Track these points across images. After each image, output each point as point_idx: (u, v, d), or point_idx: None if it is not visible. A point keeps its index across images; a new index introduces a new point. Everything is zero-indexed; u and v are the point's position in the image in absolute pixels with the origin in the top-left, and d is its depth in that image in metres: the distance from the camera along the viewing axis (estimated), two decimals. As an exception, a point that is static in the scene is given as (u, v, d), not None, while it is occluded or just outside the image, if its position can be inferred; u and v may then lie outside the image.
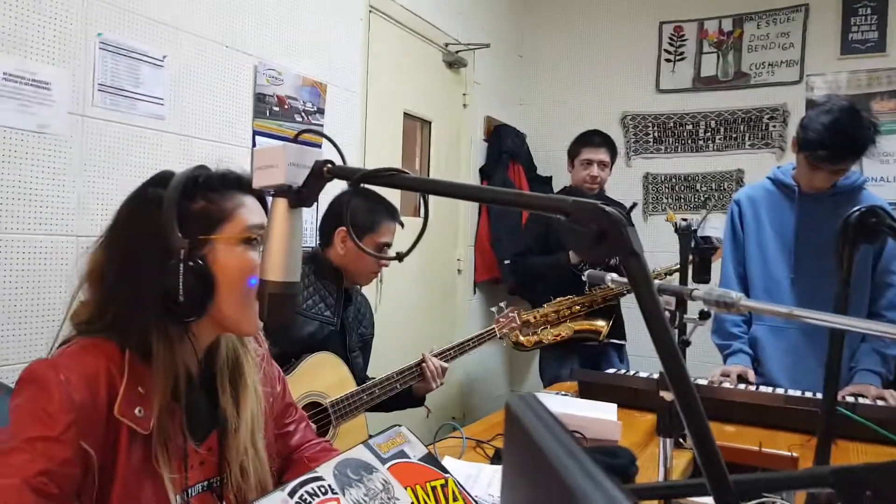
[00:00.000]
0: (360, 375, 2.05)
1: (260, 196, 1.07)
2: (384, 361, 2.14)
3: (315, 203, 0.94)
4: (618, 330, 2.90)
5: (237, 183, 1.02)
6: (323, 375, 1.86)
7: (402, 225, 2.04)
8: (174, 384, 0.94)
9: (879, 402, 1.80)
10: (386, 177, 0.85)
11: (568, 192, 3.06)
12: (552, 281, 2.78)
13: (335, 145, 0.99)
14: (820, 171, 1.91)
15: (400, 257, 0.89)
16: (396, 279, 3.12)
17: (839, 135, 1.80)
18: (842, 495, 0.59)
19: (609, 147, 2.91)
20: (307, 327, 1.89)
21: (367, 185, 0.85)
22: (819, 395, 1.77)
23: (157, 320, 0.92)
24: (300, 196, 0.91)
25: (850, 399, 1.76)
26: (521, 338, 2.69)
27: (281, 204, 0.91)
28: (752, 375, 2.04)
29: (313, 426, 1.33)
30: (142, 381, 0.91)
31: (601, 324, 2.80)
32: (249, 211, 1.01)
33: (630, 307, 3.15)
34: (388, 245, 2.00)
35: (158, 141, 1.95)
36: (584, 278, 1.50)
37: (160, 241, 0.93)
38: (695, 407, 0.57)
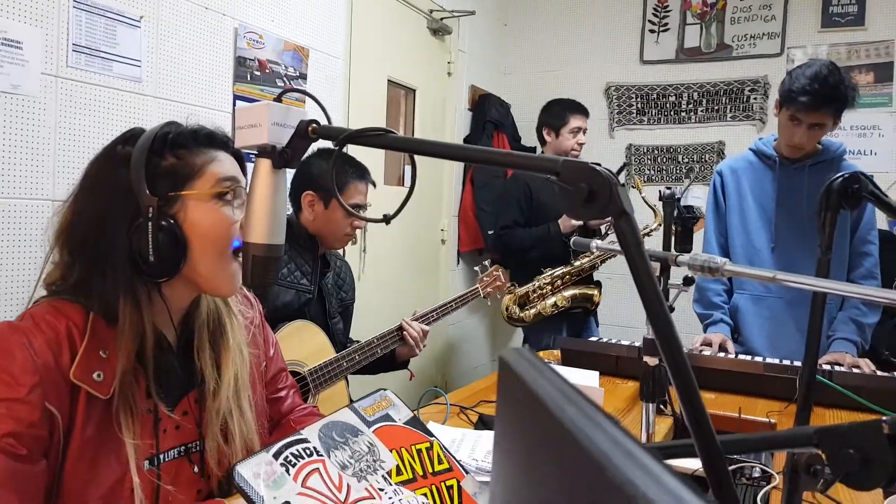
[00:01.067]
0: (340, 340, 2.04)
1: (236, 153, 1.04)
2: (367, 330, 2.14)
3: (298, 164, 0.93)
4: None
5: (208, 139, 0.99)
6: (300, 343, 1.85)
7: (373, 185, 2.00)
8: (140, 347, 0.91)
9: (855, 371, 1.84)
10: (373, 136, 0.84)
11: None
12: (540, 252, 2.82)
13: (320, 105, 0.97)
14: (800, 125, 1.94)
15: (387, 219, 0.88)
16: (380, 249, 3.11)
17: (819, 82, 1.86)
18: (826, 453, 0.60)
19: (587, 116, 3.06)
20: (283, 297, 1.87)
21: (333, 147, 0.84)
22: (797, 363, 1.80)
23: (125, 281, 0.90)
24: (284, 156, 0.89)
25: (827, 367, 1.80)
26: (520, 312, 2.72)
27: (264, 164, 0.89)
28: (731, 346, 2.07)
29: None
30: (104, 345, 0.89)
31: (594, 290, 2.85)
32: (220, 164, 0.98)
33: (605, 275, 3.17)
34: (360, 206, 1.95)
35: (136, 104, 1.90)
36: (571, 246, 1.50)
37: (128, 200, 0.91)
38: (681, 362, 0.57)
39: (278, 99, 0.92)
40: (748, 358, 1.92)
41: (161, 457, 0.95)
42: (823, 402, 1.67)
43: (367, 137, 0.84)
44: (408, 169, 3.47)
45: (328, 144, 0.86)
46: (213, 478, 1.01)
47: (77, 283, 0.91)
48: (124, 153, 0.93)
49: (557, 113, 3.01)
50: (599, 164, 0.66)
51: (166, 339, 0.99)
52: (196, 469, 0.99)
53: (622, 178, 3.96)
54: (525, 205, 2.92)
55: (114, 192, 0.92)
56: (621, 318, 3.72)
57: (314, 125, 0.88)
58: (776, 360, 1.87)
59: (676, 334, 0.59)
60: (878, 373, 1.82)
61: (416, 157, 0.88)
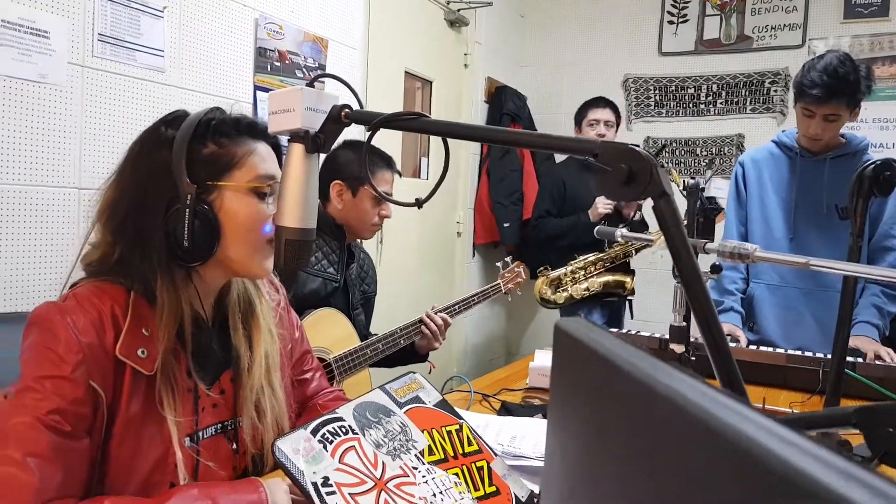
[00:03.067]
0: (361, 332, 2.06)
1: (274, 144, 1.05)
2: (384, 322, 2.15)
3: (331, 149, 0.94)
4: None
5: (250, 128, 1.01)
6: (326, 331, 1.87)
7: (399, 174, 2.01)
8: (179, 327, 0.93)
9: (878, 362, 1.83)
10: (406, 120, 0.84)
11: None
12: (570, 241, 2.93)
13: (353, 90, 0.98)
14: (814, 117, 1.93)
15: (419, 203, 0.89)
16: (396, 241, 3.12)
17: (829, 74, 1.85)
18: (865, 433, 0.60)
19: (613, 108, 3.09)
20: (310, 284, 1.89)
21: (366, 130, 0.85)
22: (819, 355, 1.79)
23: (162, 263, 0.92)
24: (317, 141, 0.90)
25: (850, 359, 1.78)
26: (552, 295, 2.73)
27: (297, 149, 0.90)
28: (741, 335, 2.06)
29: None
30: (146, 323, 0.91)
31: (627, 278, 2.86)
32: (261, 159, 1.00)
33: (643, 268, 3.19)
34: (387, 195, 1.97)
35: (159, 93, 1.92)
36: (595, 234, 1.51)
37: (168, 184, 0.92)
38: (718, 333, 0.58)
39: (311, 85, 0.93)
40: (770, 350, 1.91)
41: (200, 434, 0.97)
42: (846, 393, 1.66)
43: (401, 121, 0.85)
44: (424, 161, 3.48)
45: (359, 132, 0.87)
46: (247, 454, 1.03)
47: (117, 263, 0.93)
48: (168, 136, 0.95)
49: (581, 108, 3.11)
50: (638, 146, 0.66)
51: (203, 320, 1.01)
52: (234, 446, 1.01)
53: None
54: (558, 196, 3.08)
55: (154, 173, 0.93)
56: (657, 314, 3.70)
57: (347, 110, 0.89)
58: (798, 352, 1.86)
59: (713, 307, 0.60)
60: (902, 364, 1.81)
61: (434, 148, 0.88)
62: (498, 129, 0.75)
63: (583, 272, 2.74)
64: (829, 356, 1.64)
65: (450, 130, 0.78)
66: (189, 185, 0.92)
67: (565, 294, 2.75)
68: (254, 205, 0.97)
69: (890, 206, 2.04)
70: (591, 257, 2.77)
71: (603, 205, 2.84)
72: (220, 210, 0.95)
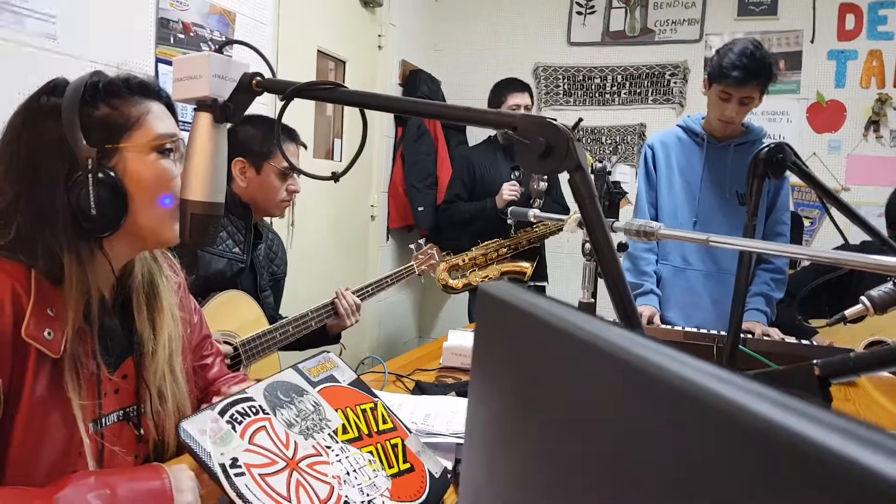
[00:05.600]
0: (270, 314, 2.00)
1: (167, 103, 1.00)
2: (295, 305, 2.10)
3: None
4: (541, 272, 3.05)
5: (141, 88, 0.96)
6: (232, 314, 1.80)
7: (304, 146, 1.95)
8: (86, 306, 0.88)
9: (766, 338, 1.96)
10: (323, 90, 0.82)
11: (496, 141, 3.12)
12: (479, 227, 2.91)
13: (264, 58, 0.94)
14: (731, 100, 2.02)
15: (336, 177, 0.87)
16: (308, 224, 3.05)
17: (748, 57, 1.95)
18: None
19: (530, 92, 3.11)
20: (215, 265, 1.81)
21: (280, 100, 0.82)
22: (713, 332, 1.90)
23: (67, 237, 0.86)
24: (226, 111, 0.86)
25: (741, 336, 1.90)
26: (451, 281, 2.74)
27: (204, 118, 0.86)
28: (657, 320, 2.16)
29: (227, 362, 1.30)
30: (51, 303, 0.85)
31: (526, 265, 2.89)
32: (158, 118, 0.95)
33: (553, 252, 3.26)
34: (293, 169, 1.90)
35: (51, 63, 1.78)
36: (507, 220, 1.53)
37: (63, 153, 0.86)
38: (626, 295, 0.61)
39: (219, 52, 0.88)
40: (670, 327, 2.01)
41: (104, 420, 0.92)
42: (738, 367, 1.78)
43: (317, 90, 0.82)
44: (338, 142, 3.42)
45: (261, 107, 0.84)
46: (150, 442, 0.98)
47: (15, 241, 0.85)
48: (51, 104, 0.88)
49: (498, 92, 3.09)
50: (555, 119, 0.67)
51: (106, 301, 0.95)
52: (138, 433, 0.96)
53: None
54: (468, 180, 3.08)
55: (44, 145, 0.87)
56: (568, 291, 3.80)
57: (258, 78, 0.86)
58: (694, 329, 1.96)
59: (623, 271, 0.62)
60: (786, 339, 1.95)
61: (347, 129, 0.86)
62: (419, 100, 0.74)
63: (483, 258, 2.78)
64: (723, 333, 1.75)
65: (369, 101, 0.77)
66: (88, 150, 0.86)
67: (464, 280, 2.78)
68: (157, 163, 0.93)
69: (782, 196, 2.19)
70: (493, 243, 2.81)
71: (508, 191, 2.88)
72: (124, 174, 0.90)
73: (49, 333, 0.83)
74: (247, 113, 0.90)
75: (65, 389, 0.85)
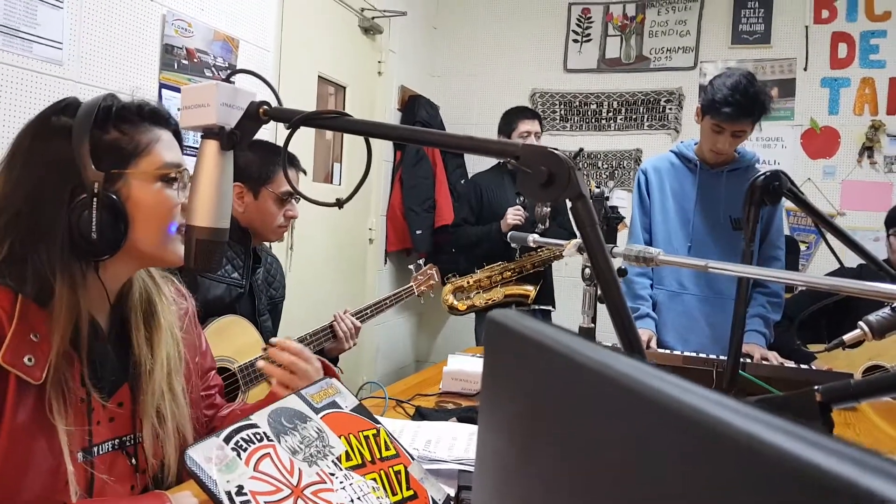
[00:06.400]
0: (269, 339, 1.99)
1: (176, 131, 1.02)
2: (293, 329, 2.10)
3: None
4: (547, 296, 3.06)
5: (153, 115, 0.97)
6: (231, 339, 1.80)
7: (304, 172, 1.96)
8: (74, 331, 0.87)
9: (764, 362, 1.97)
10: (328, 119, 0.83)
11: (505, 167, 3.15)
12: (485, 250, 2.96)
13: (270, 87, 0.96)
14: (723, 133, 2.03)
15: (340, 203, 0.88)
16: (307, 248, 3.06)
17: (741, 93, 1.95)
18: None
19: (539, 120, 3.15)
20: (214, 290, 1.81)
21: (286, 128, 0.83)
22: (712, 356, 1.90)
23: (62, 259, 0.86)
24: (233, 138, 0.87)
25: (740, 360, 1.91)
26: (455, 302, 2.75)
27: (211, 146, 0.87)
28: (654, 344, 2.16)
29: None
30: (35, 327, 0.84)
31: (529, 289, 2.91)
32: (166, 147, 0.96)
33: (559, 275, 3.27)
34: (291, 195, 1.90)
35: (56, 87, 1.80)
36: (508, 240, 1.54)
37: (68, 173, 0.87)
38: (627, 320, 0.61)
39: (227, 80, 0.90)
40: (668, 351, 2.02)
41: (95, 449, 0.91)
42: (737, 391, 1.78)
43: (323, 120, 0.84)
44: (337, 166, 3.44)
45: (263, 133, 0.85)
46: (147, 472, 0.97)
47: (4, 263, 0.85)
48: (62, 124, 0.89)
49: (508, 119, 3.10)
50: (557, 149, 0.69)
51: (100, 326, 0.95)
52: (133, 461, 0.95)
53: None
54: (475, 204, 3.12)
55: (50, 164, 0.87)
56: (574, 317, 3.79)
57: (265, 107, 0.87)
58: (693, 353, 1.97)
59: (624, 296, 0.63)
60: (786, 363, 1.96)
61: (347, 153, 0.88)
62: (423, 129, 0.76)
63: (488, 280, 2.80)
64: (721, 357, 1.75)
65: (373, 130, 0.78)
66: (95, 174, 0.86)
67: (468, 302, 2.79)
68: (161, 192, 0.94)
69: (776, 221, 2.21)
70: (498, 266, 2.83)
71: (512, 216, 2.90)
72: (127, 199, 0.90)
73: (30, 359, 0.82)
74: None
75: (49, 413, 0.83)
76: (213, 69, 2.33)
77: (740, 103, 1.95)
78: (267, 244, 2.27)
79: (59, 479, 0.84)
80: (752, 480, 0.20)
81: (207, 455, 0.73)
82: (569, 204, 0.67)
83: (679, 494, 0.23)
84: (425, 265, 2.39)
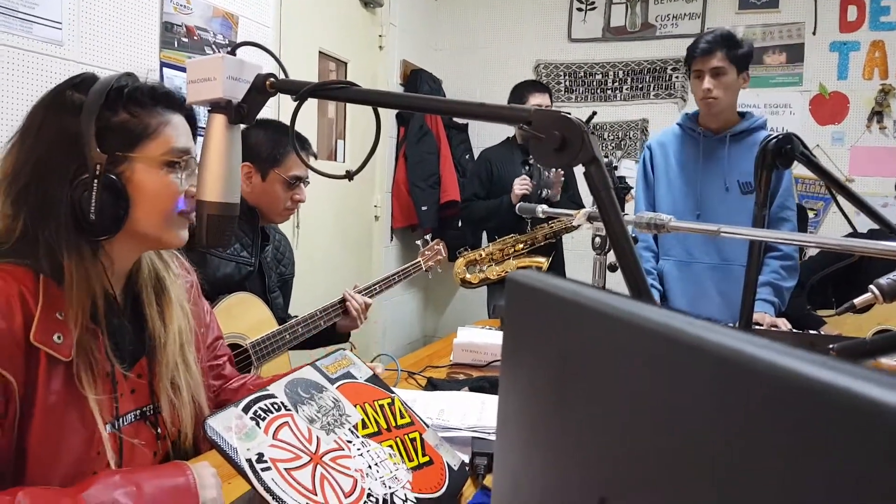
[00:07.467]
0: (279, 315, 2.01)
1: (189, 116, 1.01)
2: (302, 306, 2.11)
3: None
4: (558, 268, 3.07)
5: (166, 98, 0.96)
6: (242, 316, 1.81)
7: (315, 156, 1.95)
8: (92, 306, 0.88)
9: (773, 329, 1.97)
10: (336, 89, 0.83)
11: (515, 141, 3.13)
12: (496, 223, 2.98)
13: (277, 59, 0.95)
14: (702, 77, 2.10)
15: (350, 175, 0.87)
16: (313, 225, 3.06)
17: (711, 33, 2.11)
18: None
19: (549, 93, 3.14)
20: (223, 269, 1.82)
21: (293, 100, 0.83)
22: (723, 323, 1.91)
23: (68, 235, 0.86)
24: (240, 112, 0.87)
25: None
26: (468, 275, 2.76)
27: (219, 120, 0.86)
28: None
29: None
30: (59, 307, 0.85)
31: (541, 260, 2.91)
32: (176, 131, 0.96)
33: (570, 249, 3.27)
34: (301, 178, 1.90)
35: (57, 68, 1.79)
36: (517, 211, 1.54)
37: (75, 151, 0.86)
38: (642, 283, 0.62)
39: (232, 53, 0.89)
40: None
41: (121, 420, 0.93)
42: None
43: (330, 90, 0.83)
44: (340, 143, 3.43)
45: (272, 111, 0.84)
46: (167, 439, 0.99)
47: (21, 240, 0.86)
48: (75, 100, 0.88)
49: (518, 93, 3.08)
50: (570, 113, 0.68)
51: (115, 302, 0.96)
52: (156, 431, 0.97)
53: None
54: (486, 178, 3.12)
55: (59, 139, 0.87)
56: None
57: (272, 79, 0.87)
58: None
59: (638, 259, 0.63)
60: (794, 330, 1.96)
61: (350, 130, 0.87)
62: (433, 97, 0.75)
63: (500, 253, 2.80)
64: (732, 325, 1.75)
65: (382, 99, 0.78)
66: (98, 155, 0.86)
67: (481, 275, 2.80)
68: (166, 178, 0.93)
69: (785, 181, 2.19)
70: (510, 239, 2.84)
71: (519, 186, 2.89)
72: (129, 182, 0.90)
73: (59, 337, 0.84)
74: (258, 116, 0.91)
75: (80, 389, 0.85)
76: (213, 46, 2.31)
77: (709, 40, 2.08)
78: (275, 222, 2.28)
79: (92, 448, 0.87)
80: (787, 408, 0.20)
81: (227, 424, 0.74)
82: (579, 171, 0.67)
83: (717, 430, 0.23)
84: (432, 240, 2.39)
